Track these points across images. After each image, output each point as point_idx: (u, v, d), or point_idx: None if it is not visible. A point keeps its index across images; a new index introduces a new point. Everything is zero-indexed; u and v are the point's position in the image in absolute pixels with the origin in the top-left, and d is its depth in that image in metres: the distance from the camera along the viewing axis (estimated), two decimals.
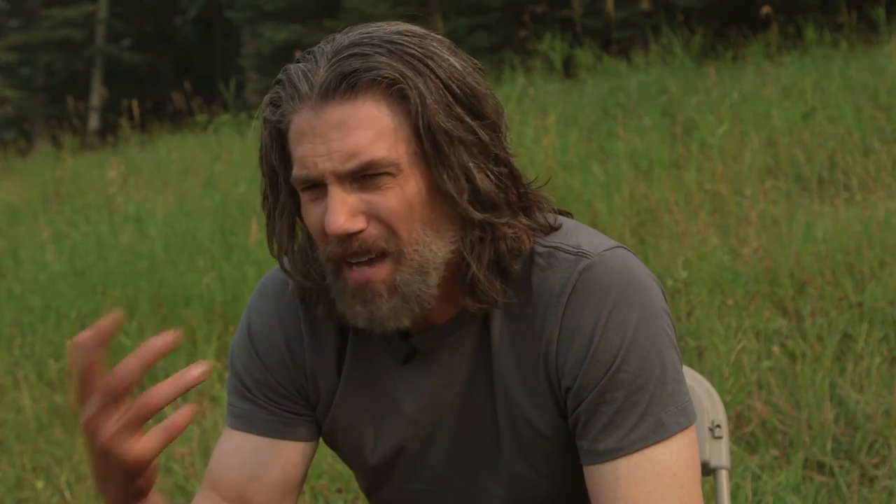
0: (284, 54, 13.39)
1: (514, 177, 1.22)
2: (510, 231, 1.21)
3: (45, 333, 4.84)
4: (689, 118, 6.48)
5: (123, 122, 11.20)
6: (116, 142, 11.64)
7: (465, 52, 1.24)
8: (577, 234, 1.27)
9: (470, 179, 1.17)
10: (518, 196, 1.23)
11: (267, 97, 1.22)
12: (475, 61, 1.23)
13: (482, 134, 1.18)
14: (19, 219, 8.25)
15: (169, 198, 7.66)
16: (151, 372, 4.32)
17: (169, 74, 22.19)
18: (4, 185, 10.21)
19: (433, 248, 1.19)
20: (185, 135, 10.76)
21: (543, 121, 6.44)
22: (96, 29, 21.07)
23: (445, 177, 1.16)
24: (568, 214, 1.33)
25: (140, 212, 6.99)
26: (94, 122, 18.63)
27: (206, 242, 5.64)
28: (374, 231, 1.17)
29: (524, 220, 1.23)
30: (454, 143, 1.16)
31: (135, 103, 10.74)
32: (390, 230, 1.17)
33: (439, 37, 1.22)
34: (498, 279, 1.23)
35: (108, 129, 15.03)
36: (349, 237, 1.17)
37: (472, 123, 1.17)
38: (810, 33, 8.05)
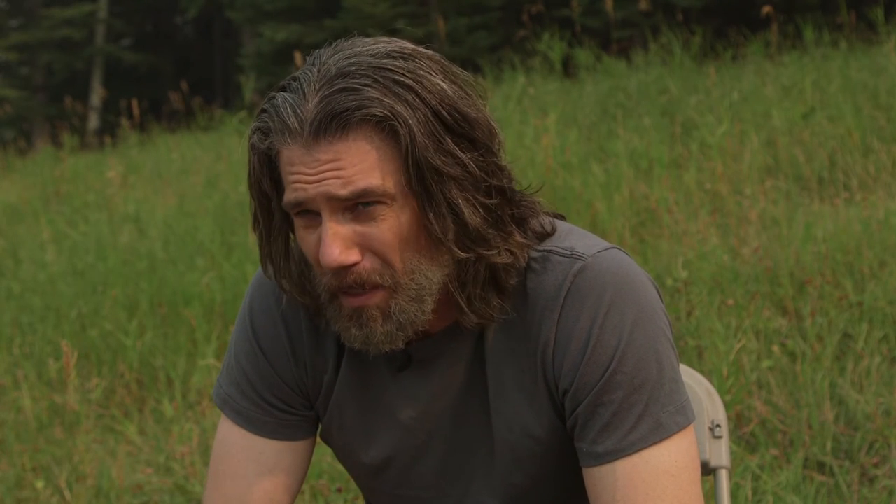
0: (284, 54, 13.40)
1: (507, 200, 1.21)
2: (502, 258, 1.20)
3: (45, 333, 4.84)
4: (689, 118, 6.48)
5: (123, 121, 11.20)
6: (116, 141, 11.63)
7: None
8: (570, 237, 1.27)
9: (458, 216, 1.16)
10: (512, 215, 1.22)
11: (254, 125, 1.20)
12: (466, 77, 1.21)
13: (472, 166, 1.16)
14: (19, 218, 8.24)
15: (169, 197, 7.66)
16: (151, 372, 4.32)
17: (169, 74, 22.19)
18: (4, 185, 10.20)
19: (429, 275, 1.19)
20: (185, 134, 10.76)
21: (543, 120, 6.44)
22: (96, 29, 21.06)
23: (432, 215, 1.15)
24: (561, 217, 1.33)
25: (140, 211, 6.99)
26: (93, 121, 18.63)
27: (206, 242, 5.64)
28: (368, 264, 1.17)
29: (519, 238, 1.22)
30: (443, 180, 1.14)
31: (134, 103, 10.73)
32: (385, 262, 1.17)
33: (429, 53, 1.19)
34: (494, 295, 1.23)
35: (108, 129, 15.02)
36: (344, 269, 1.17)
37: (463, 156, 1.15)
38: (810, 33, 8.04)
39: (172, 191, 7.93)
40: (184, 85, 12.24)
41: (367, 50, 1.17)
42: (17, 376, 4.40)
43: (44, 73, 21.65)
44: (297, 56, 10.04)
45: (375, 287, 1.18)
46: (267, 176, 1.21)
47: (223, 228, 5.99)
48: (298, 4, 15.14)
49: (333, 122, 1.13)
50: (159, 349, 4.45)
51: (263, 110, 1.19)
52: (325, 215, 1.15)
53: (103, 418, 4.08)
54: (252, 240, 5.33)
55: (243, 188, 7.00)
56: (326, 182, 1.14)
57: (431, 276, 1.19)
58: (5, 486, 3.54)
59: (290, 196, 1.17)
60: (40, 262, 6.18)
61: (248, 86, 10.12)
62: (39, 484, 3.44)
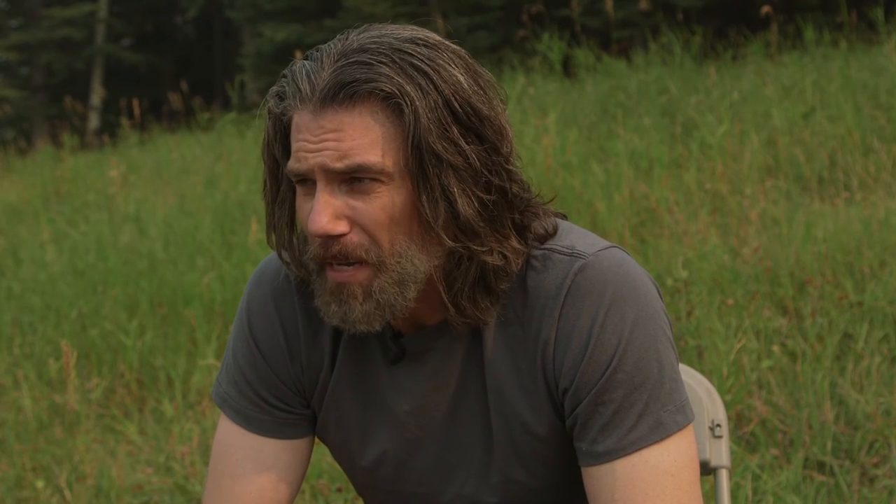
0: (284, 54, 13.39)
1: (508, 202, 1.21)
2: (493, 258, 1.20)
3: (45, 333, 4.84)
4: (689, 118, 6.48)
5: (124, 121, 11.20)
6: (116, 141, 11.64)
7: (477, 62, 1.22)
8: (571, 236, 1.27)
9: (451, 204, 1.16)
10: (512, 220, 1.22)
11: (273, 89, 1.23)
12: (490, 78, 1.21)
13: (474, 159, 1.16)
14: (19, 218, 8.24)
15: (169, 197, 7.66)
16: (152, 372, 4.32)
17: (169, 74, 22.19)
18: (4, 185, 10.20)
19: (415, 262, 1.19)
20: (185, 134, 10.76)
21: (543, 120, 6.44)
22: (96, 28, 21.05)
23: (424, 198, 1.16)
24: (563, 216, 1.33)
25: (140, 211, 6.99)
26: (93, 121, 18.63)
27: (206, 242, 5.64)
28: (355, 238, 1.18)
29: (515, 244, 1.22)
30: (441, 165, 1.15)
31: (135, 103, 10.74)
32: (372, 240, 1.17)
33: (455, 48, 1.20)
34: (484, 298, 1.23)
35: (108, 129, 15.02)
36: (330, 239, 1.18)
37: (466, 147, 1.16)
38: (810, 33, 8.04)
39: (172, 191, 7.94)
40: (184, 85, 12.24)
41: (392, 33, 1.19)
42: (17, 376, 4.40)
43: (44, 73, 21.63)
44: (298, 56, 10.03)
45: (360, 262, 1.18)
46: (279, 142, 1.23)
47: (223, 228, 5.99)
48: (298, 4, 15.14)
49: (342, 92, 1.14)
50: (159, 349, 4.45)
51: (283, 75, 1.22)
52: (320, 185, 1.17)
53: (103, 418, 4.08)
54: (252, 240, 5.33)
55: (243, 188, 7.01)
56: (324, 153, 1.15)
57: (418, 263, 1.19)
58: (5, 486, 3.54)
59: (291, 164, 1.19)
60: (40, 262, 6.18)
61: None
62: (39, 484, 3.44)
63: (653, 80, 7.57)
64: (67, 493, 3.39)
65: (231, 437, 1.36)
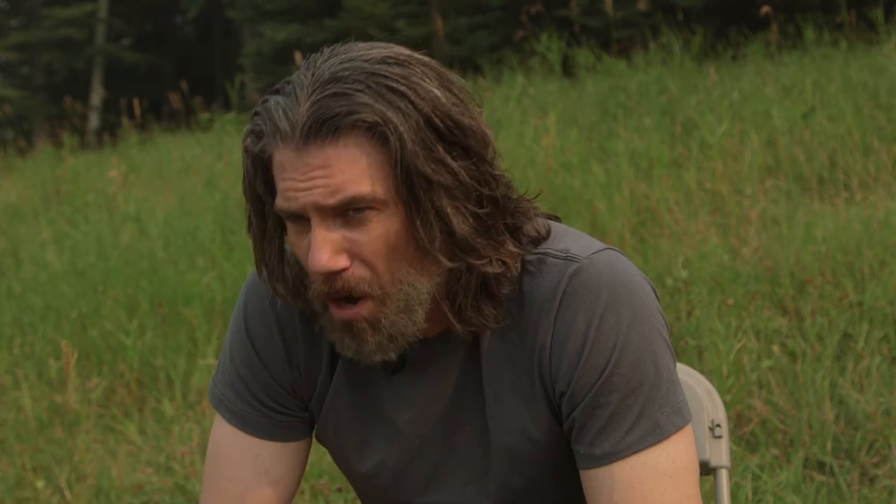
0: (284, 54, 13.40)
1: (500, 209, 1.20)
2: (493, 267, 1.19)
3: (46, 333, 4.84)
4: (689, 118, 6.48)
5: (124, 121, 11.21)
6: (116, 141, 11.64)
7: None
8: (565, 239, 1.26)
9: (446, 224, 1.15)
10: (505, 224, 1.21)
11: (247, 127, 1.20)
12: (463, 84, 1.20)
13: (463, 175, 1.15)
14: (20, 218, 8.24)
15: (169, 197, 7.66)
16: (151, 372, 4.32)
17: (169, 74, 22.20)
18: (4, 185, 10.20)
19: (417, 285, 1.18)
20: (185, 134, 10.76)
21: (543, 120, 6.45)
22: (96, 28, 21.06)
23: (419, 223, 1.14)
24: (556, 218, 1.33)
25: (140, 211, 6.99)
26: (94, 121, 18.62)
27: (206, 242, 5.65)
28: (356, 272, 1.16)
29: (512, 247, 1.21)
30: (432, 188, 1.14)
31: (135, 102, 10.74)
32: (373, 272, 1.17)
33: (425, 60, 1.18)
34: (487, 304, 1.22)
35: (108, 129, 15.02)
36: (332, 275, 1.16)
37: (454, 164, 1.14)
38: (810, 33, 8.04)
39: (173, 190, 7.94)
40: (184, 85, 12.25)
41: (361, 55, 1.16)
42: (17, 376, 4.40)
43: (44, 73, 21.64)
44: (298, 56, 10.05)
45: (364, 297, 1.17)
46: (260, 179, 1.20)
47: (223, 228, 6.00)
48: (298, 4, 15.13)
49: (324, 127, 1.12)
50: (159, 349, 4.45)
51: (257, 112, 1.18)
52: (315, 222, 1.15)
53: (103, 418, 4.08)
54: None
55: None
56: (315, 191, 1.13)
57: (420, 286, 1.18)
58: (5, 486, 3.55)
59: (280, 204, 1.17)
60: (41, 262, 6.18)
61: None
62: (40, 484, 3.44)
63: (653, 80, 7.57)
64: (67, 493, 3.39)
65: (227, 438, 1.36)
